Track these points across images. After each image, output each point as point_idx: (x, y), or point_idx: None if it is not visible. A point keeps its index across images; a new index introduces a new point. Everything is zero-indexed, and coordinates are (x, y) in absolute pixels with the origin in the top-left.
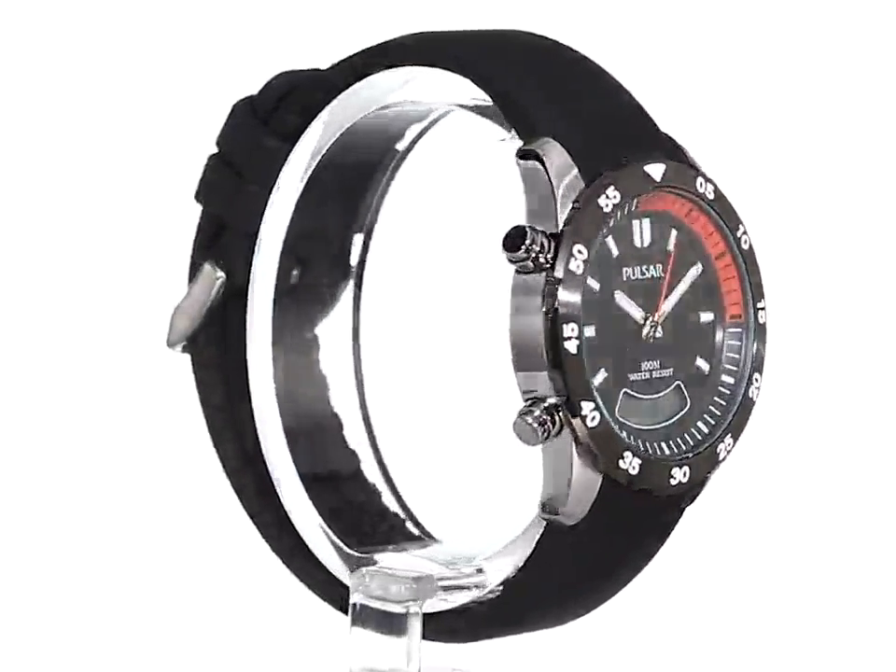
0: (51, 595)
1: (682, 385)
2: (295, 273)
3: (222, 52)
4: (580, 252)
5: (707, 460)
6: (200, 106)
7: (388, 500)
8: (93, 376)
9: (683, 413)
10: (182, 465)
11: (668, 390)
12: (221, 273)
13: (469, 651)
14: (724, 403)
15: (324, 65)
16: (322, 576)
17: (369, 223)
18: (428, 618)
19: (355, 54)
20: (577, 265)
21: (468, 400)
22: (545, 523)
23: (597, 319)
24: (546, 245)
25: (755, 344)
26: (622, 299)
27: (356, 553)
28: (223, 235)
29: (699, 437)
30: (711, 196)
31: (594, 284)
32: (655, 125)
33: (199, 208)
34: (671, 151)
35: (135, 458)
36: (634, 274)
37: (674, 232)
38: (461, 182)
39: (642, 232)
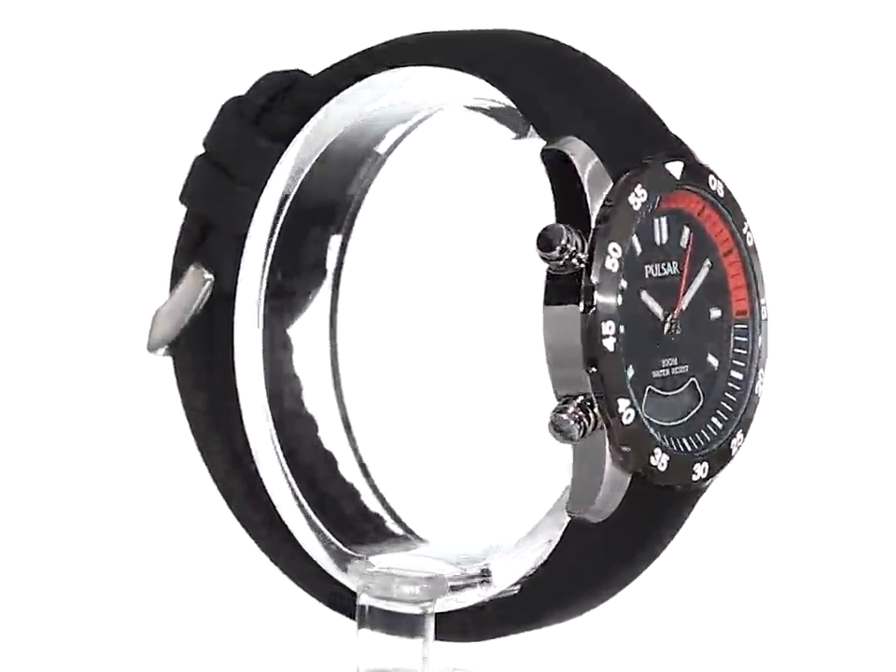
0: (50, 600)
1: (696, 382)
2: (280, 274)
3: (204, 53)
4: (614, 250)
5: (723, 455)
6: (177, 108)
7: (369, 501)
8: (71, 381)
9: (698, 409)
10: (168, 469)
11: (685, 387)
12: (209, 276)
13: (469, 652)
14: (735, 399)
15: (309, 65)
16: (312, 572)
17: (347, 225)
18: (438, 618)
19: (354, 55)
20: (612, 263)
21: (450, 400)
22: (567, 520)
23: (626, 317)
24: (580, 244)
25: (760, 339)
26: (646, 297)
27: (348, 551)
28: (209, 237)
29: (714, 432)
30: (721, 194)
31: (623, 282)
32: (663, 123)
33: (177, 211)
34: (681, 149)
35: (118, 463)
36: (655, 272)
37: (686, 230)
38: (442, 183)
39: (661, 230)
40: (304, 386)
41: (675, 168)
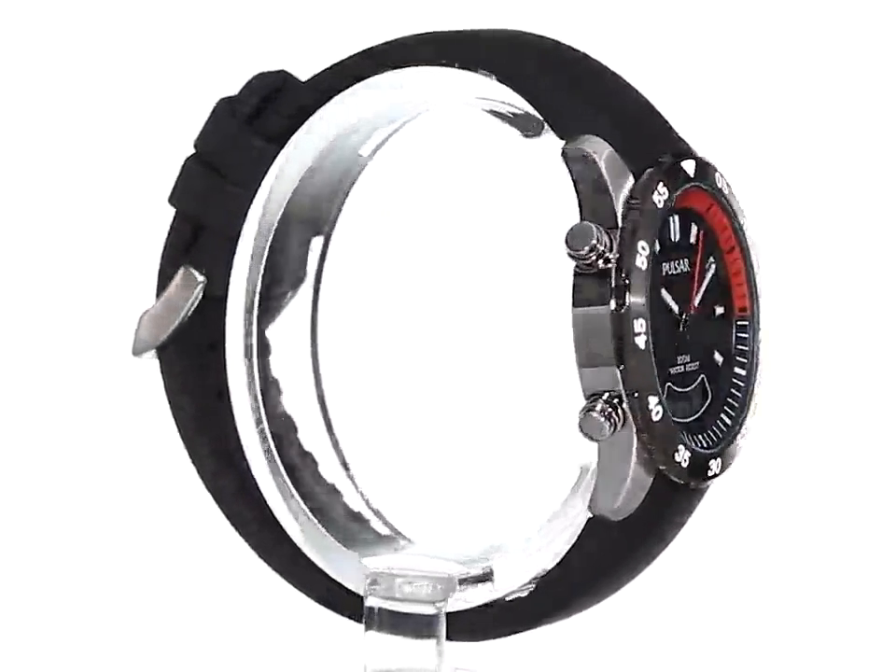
0: (41, 606)
1: (705, 379)
2: (270, 277)
3: (190, 54)
4: (643, 248)
5: (732, 451)
6: (163, 110)
7: (352, 500)
8: (57, 384)
9: (707, 405)
10: (155, 470)
11: (696, 384)
12: (202, 278)
13: (471, 651)
14: (740, 395)
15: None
16: (305, 570)
17: (328, 228)
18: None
19: (353, 55)
20: (641, 262)
21: (434, 399)
22: (585, 519)
23: (651, 315)
24: (609, 242)
25: (759, 336)
26: (665, 294)
27: (347, 550)
28: (201, 238)
29: (724, 428)
30: (726, 191)
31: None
32: (666, 120)
33: (161, 212)
34: (686, 146)
35: (104, 466)
36: (671, 270)
37: (695, 227)
38: (437, 183)
39: (674, 228)
40: (279, 389)
41: (689, 166)
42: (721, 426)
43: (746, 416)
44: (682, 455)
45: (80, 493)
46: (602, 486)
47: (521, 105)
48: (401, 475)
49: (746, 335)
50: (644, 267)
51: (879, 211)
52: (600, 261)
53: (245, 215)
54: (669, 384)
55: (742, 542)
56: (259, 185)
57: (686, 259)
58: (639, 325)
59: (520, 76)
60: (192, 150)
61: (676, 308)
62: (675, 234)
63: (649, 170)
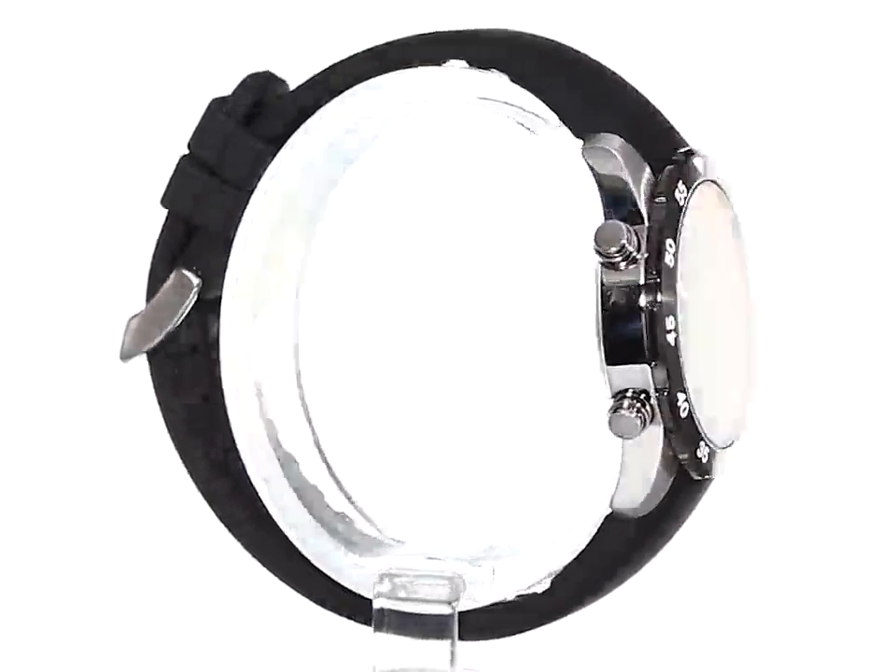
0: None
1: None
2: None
3: (173, 56)
4: (670, 246)
5: (734, 446)
6: (147, 113)
7: (335, 501)
8: (44, 388)
9: None
10: (145, 473)
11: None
12: (197, 280)
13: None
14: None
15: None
16: (301, 569)
17: (324, 229)
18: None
19: (354, 56)
20: (670, 259)
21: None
22: (600, 517)
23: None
24: (636, 241)
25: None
26: (681, 289)
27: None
28: (195, 240)
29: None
30: (724, 186)
31: None
32: (666, 118)
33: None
34: (686, 143)
35: (93, 469)
36: (682, 266)
37: (699, 222)
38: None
39: (685, 225)
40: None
41: (699, 163)
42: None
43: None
44: (703, 451)
45: (70, 499)
46: (625, 484)
47: (527, 104)
48: (393, 475)
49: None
50: (672, 265)
51: (873, 208)
52: (626, 259)
53: (241, 216)
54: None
55: (737, 537)
56: (256, 185)
57: (693, 254)
58: (670, 322)
59: (533, 76)
60: (185, 151)
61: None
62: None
63: (669, 167)
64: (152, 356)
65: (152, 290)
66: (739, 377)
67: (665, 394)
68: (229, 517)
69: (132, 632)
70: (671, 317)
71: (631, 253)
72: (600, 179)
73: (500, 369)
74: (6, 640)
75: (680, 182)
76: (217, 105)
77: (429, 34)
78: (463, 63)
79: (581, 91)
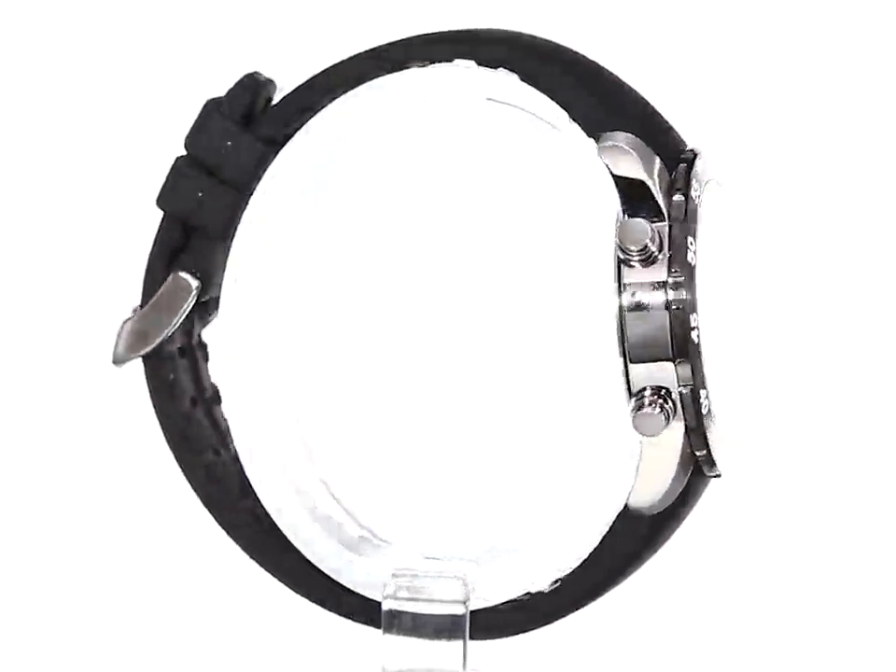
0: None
1: None
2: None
3: (168, 56)
4: (691, 244)
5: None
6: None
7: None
8: (34, 393)
9: None
10: (138, 476)
11: None
12: (196, 282)
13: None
14: None
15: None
16: (301, 570)
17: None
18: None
19: (356, 56)
20: (691, 257)
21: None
22: (617, 514)
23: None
24: (658, 238)
25: None
26: (696, 286)
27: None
28: (193, 241)
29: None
30: (724, 186)
31: None
32: (665, 118)
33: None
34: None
35: (84, 473)
36: (693, 263)
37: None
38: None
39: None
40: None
41: (705, 161)
42: None
43: None
44: (717, 448)
45: (69, 501)
46: (643, 481)
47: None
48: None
49: None
50: (693, 262)
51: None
52: (647, 257)
53: (240, 217)
54: None
55: (735, 533)
56: (256, 187)
57: (695, 253)
58: (694, 319)
59: (542, 75)
60: (182, 152)
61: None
62: None
63: (681, 165)
64: (146, 359)
65: (149, 292)
66: (754, 374)
67: (690, 391)
68: (227, 521)
69: (137, 637)
70: (694, 314)
71: (652, 251)
72: (618, 178)
73: (514, 368)
74: (6, 642)
75: (695, 180)
76: (214, 106)
77: (431, 34)
78: (470, 63)
79: (589, 90)
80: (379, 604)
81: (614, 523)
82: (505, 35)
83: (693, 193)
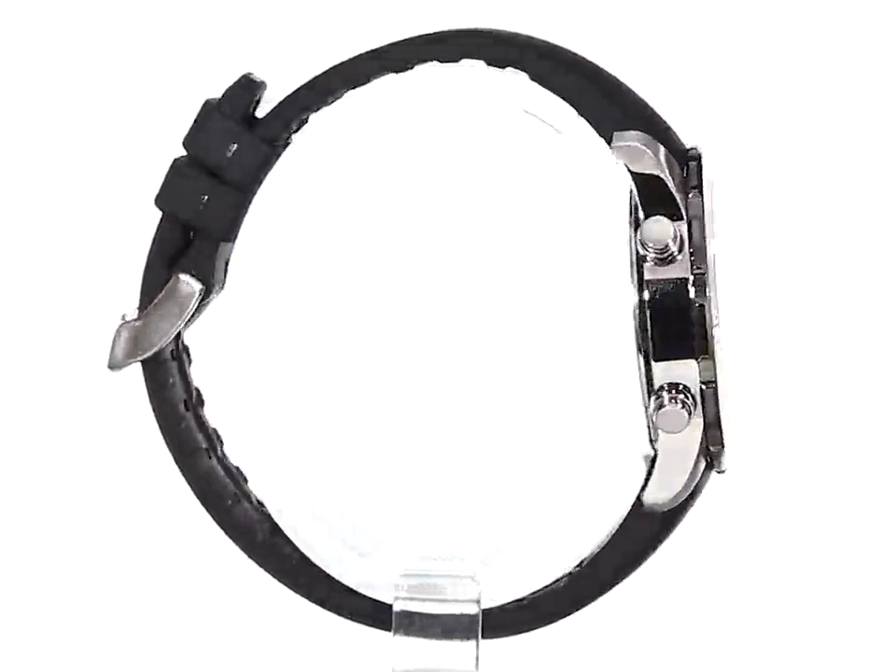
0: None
1: None
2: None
3: (162, 56)
4: (711, 242)
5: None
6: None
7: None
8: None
9: None
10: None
11: None
12: (199, 285)
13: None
14: None
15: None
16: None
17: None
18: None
19: (358, 56)
20: (711, 254)
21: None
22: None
23: None
24: (678, 235)
25: None
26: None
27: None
28: (195, 243)
29: None
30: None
31: None
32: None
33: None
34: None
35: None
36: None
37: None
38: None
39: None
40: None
41: (706, 159)
42: None
43: None
44: (727, 443)
45: (69, 503)
46: (660, 478)
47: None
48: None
49: None
50: (713, 259)
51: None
52: (667, 255)
53: (243, 219)
54: None
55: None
56: (258, 187)
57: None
58: (715, 317)
59: (551, 75)
60: (182, 152)
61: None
62: None
63: (691, 162)
64: (145, 363)
65: (148, 295)
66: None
67: (712, 387)
68: (226, 523)
69: (141, 641)
70: (716, 311)
71: (671, 250)
72: (636, 176)
73: (527, 366)
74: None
75: (705, 178)
76: (214, 107)
77: (435, 33)
78: (478, 63)
79: (597, 89)
80: (383, 604)
81: (626, 520)
82: (511, 35)
83: (704, 191)
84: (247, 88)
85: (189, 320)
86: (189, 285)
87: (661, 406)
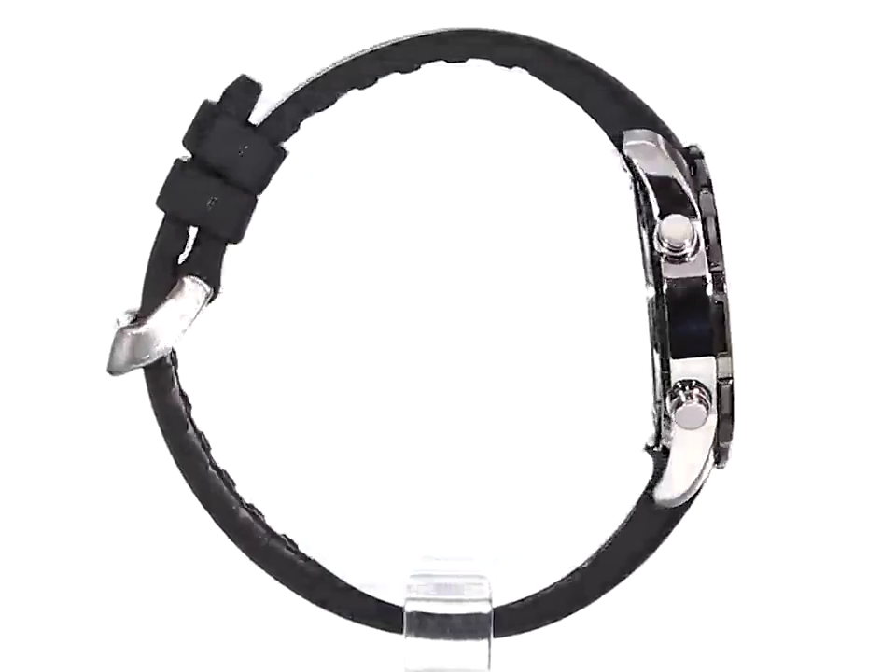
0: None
1: None
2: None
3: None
4: (723, 238)
5: None
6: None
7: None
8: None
9: None
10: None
11: None
12: (209, 288)
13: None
14: None
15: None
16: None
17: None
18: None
19: (361, 55)
20: (725, 251)
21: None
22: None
23: None
24: (693, 232)
25: None
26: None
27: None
28: (202, 245)
29: None
30: None
31: None
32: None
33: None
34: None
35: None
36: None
37: None
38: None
39: None
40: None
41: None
42: None
43: None
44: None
45: (68, 505)
46: (674, 475)
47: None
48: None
49: None
50: (725, 256)
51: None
52: (683, 253)
53: (249, 220)
54: None
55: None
56: (264, 189)
57: None
58: (732, 312)
59: (559, 75)
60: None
61: None
62: None
63: (698, 161)
64: (148, 368)
65: (153, 298)
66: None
67: (729, 383)
68: (228, 525)
69: (146, 644)
70: (731, 308)
71: (685, 248)
72: (650, 176)
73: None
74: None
75: (709, 175)
76: (217, 108)
77: (440, 32)
78: (485, 62)
79: (603, 88)
80: (387, 604)
81: (633, 516)
82: (517, 35)
83: (714, 189)
84: (249, 89)
85: None
86: (198, 287)
87: (679, 403)
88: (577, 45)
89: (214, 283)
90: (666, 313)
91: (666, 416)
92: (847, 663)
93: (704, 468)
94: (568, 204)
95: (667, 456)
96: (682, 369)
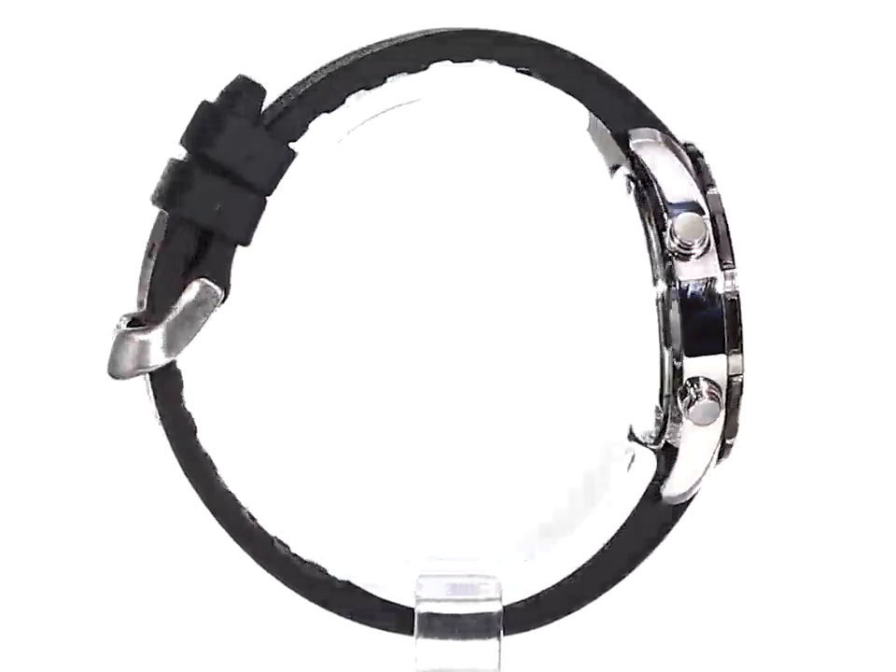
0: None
1: None
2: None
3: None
4: (732, 235)
5: None
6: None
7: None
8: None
9: None
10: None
11: None
12: (221, 291)
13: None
14: None
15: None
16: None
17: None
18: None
19: (366, 56)
20: (733, 248)
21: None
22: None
23: None
24: (703, 229)
25: None
26: None
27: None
28: (211, 248)
29: None
30: None
31: None
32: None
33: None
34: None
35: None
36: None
37: None
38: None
39: None
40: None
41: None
42: None
43: None
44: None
45: (68, 507)
46: (682, 471)
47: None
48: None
49: None
50: (733, 252)
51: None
52: (692, 251)
53: (259, 222)
54: None
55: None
56: (275, 190)
57: None
58: (743, 310)
59: (563, 75)
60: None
61: None
62: None
63: (700, 158)
64: (154, 374)
65: (162, 302)
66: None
67: (739, 379)
68: (234, 529)
69: (149, 645)
70: (740, 303)
71: (693, 246)
72: (660, 173)
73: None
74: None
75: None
76: (223, 108)
77: (444, 32)
78: (490, 62)
79: (607, 88)
80: (390, 604)
81: (637, 512)
82: (522, 35)
83: (717, 185)
84: (252, 89)
85: None
86: (210, 290)
87: (692, 400)
88: (577, 45)
89: (223, 285)
90: (679, 310)
91: (675, 413)
92: (847, 662)
93: (710, 464)
94: (569, 205)
95: (672, 453)
96: (693, 366)
